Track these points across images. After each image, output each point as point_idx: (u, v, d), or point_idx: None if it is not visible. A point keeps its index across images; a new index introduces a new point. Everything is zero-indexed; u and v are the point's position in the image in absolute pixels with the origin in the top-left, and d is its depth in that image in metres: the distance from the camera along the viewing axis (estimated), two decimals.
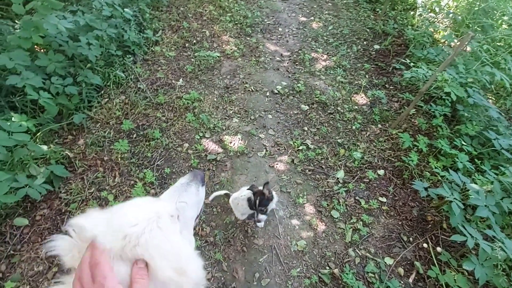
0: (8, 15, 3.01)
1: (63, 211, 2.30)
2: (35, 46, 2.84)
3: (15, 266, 2.04)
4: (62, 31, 2.60)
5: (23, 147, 2.29)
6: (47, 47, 2.84)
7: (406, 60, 3.71)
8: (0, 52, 2.64)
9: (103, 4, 3.14)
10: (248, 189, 2.17)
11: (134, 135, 2.84)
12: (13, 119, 2.35)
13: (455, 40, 4.29)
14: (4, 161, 2.22)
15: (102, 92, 3.10)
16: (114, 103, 3.03)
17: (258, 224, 2.40)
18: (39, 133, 2.54)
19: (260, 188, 2.07)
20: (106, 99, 3.06)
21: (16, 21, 2.91)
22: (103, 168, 2.57)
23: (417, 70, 3.19)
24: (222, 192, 2.47)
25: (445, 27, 4.77)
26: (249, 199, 2.10)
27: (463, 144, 2.82)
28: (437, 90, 3.29)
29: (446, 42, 4.39)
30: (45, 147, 2.46)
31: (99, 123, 2.87)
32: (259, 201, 2.01)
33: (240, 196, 2.18)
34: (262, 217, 2.25)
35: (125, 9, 3.38)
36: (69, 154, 2.59)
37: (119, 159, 2.63)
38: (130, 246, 0.64)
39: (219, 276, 2.14)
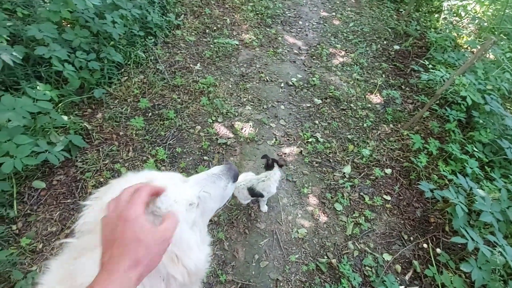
0: None
1: (78, 178, 2.42)
2: (63, 21, 2.95)
3: (31, 224, 2.18)
4: (89, 7, 2.71)
5: (45, 114, 2.41)
6: (74, 22, 2.95)
7: (425, 61, 3.66)
8: (30, 23, 2.77)
9: None
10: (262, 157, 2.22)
11: (150, 114, 2.94)
12: (38, 87, 2.48)
13: (478, 47, 4.20)
14: (27, 126, 2.34)
15: (122, 70, 3.20)
16: (133, 82, 3.13)
17: (262, 209, 2.47)
18: (61, 104, 2.66)
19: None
20: (126, 77, 3.16)
21: None
22: (118, 142, 2.68)
23: (435, 73, 3.16)
24: None
25: (470, 32, 4.66)
26: (249, 189, 2.17)
27: (474, 151, 2.79)
28: (453, 95, 3.25)
29: (469, 47, 4.30)
30: (65, 117, 2.59)
31: (117, 99, 2.98)
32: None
33: (239, 186, 2.22)
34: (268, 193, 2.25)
35: None
36: (87, 126, 2.71)
37: (134, 135, 2.73)
38: None
39: (220, 254, 2.23)
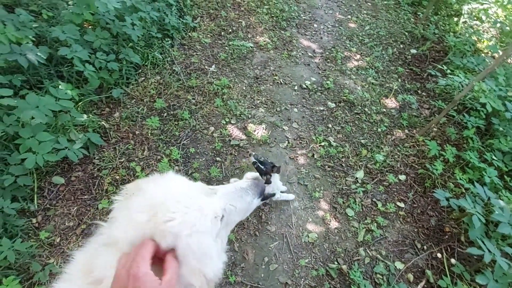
0: None
1: (95, 175, 2.50)
2: (85, 22, 3.05)
3: (50, 218, 2.26)
4: (110, 10, 2.79)
5: (66, 113, 2.51)
6: (95, 24, 3.05)
7: (443, 66, 3.58)
8: (54, 25, 2.89)
9: None
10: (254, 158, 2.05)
11: (165, 114, 3.00)
12: (60, 86, 2.58)
13: (500, 52, 4.08)
14: (49, 123, 2.44)
15: (140, 70, 3.28)
16: (150, 82, 3.20)
17: (289, 198, 2.48)
18: (80, 103, 2.75)
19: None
20: (143, 78, 3.24)
21: None
22: (134, 141, 2.75)
23: (453, 78, 3.09)
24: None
25: (491, 37, 4.52)
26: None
27: (493, 159, 2.71)
28: (472, 101, 3.17)
29: (490, 52, 4.18)
30: (85, 116, 2.68)
31: (134, 99, 3.05)
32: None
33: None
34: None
35: None
36: (105, 124, 2.79)
37: (149, 134, 2.79)
38: (166, 229, 0.70)
39: (230, 255, 2.24)
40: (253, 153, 2.30)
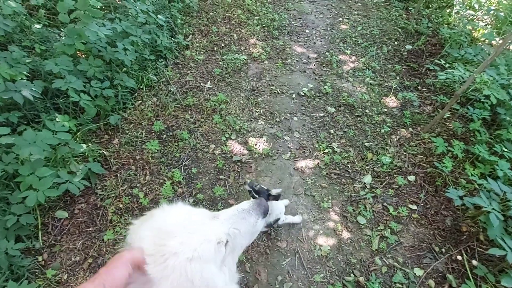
0: (54, 24, 3.29)
1: (98, 206, 2.46)
2: (77, 52, 3.07)
3: (55, 255, 2.21)
4: (101, 38, 2.80)
5: (65, 145, 2.48)
6: (87, 53, 3.06)
7: (440, 60, 3.53)
8: (47, 58, 2.90)
9: (139, 11, 3.32)
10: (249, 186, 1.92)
11: (164, 136, 2.97)
12: (57, 119, 2.57)
13: (497, 39, 4.01)
14: (48, 158, 2.42)
15: (136, 94, 3.27)
16: (147, 105, 3.18)
17: (296, 221, 2.40)
18: (79, 133, 2.73)
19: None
20: (139, 101, 3.23)
21: (61, 29, 3.17)
22: (135, 167, 2.71)
23: (453, 72, 3.02)
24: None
25: (485, 25, 4.46)
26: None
27: (504, 151, 2.62)
28: (475, 92, 3.10)
29: (487, 40, 4.12)
30: (84, 146, 2.65)
31: (132, 124, 3.03)
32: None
33: None
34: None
35: (159, 16, 3.55)
36: (105, 152, 2.76)
37: (150, 158, 2.76)
38: (162, 256, 0.70)
39: (242, 277, 2.17)
40: (248, 181, 2.21)
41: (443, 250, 2.35)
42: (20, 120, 2.59)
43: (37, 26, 3.06)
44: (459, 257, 2.29)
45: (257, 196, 1.82)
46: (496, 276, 2.12)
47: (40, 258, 2.17)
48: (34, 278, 2.06)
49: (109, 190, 2.54)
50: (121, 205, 2.46)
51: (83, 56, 3.12)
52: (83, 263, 2.18)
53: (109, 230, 2.31)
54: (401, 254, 2.33)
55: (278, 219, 2.16)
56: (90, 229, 2.35)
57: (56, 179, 2.28)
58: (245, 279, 2.15)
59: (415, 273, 2.22)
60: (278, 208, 2.14)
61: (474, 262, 2.23)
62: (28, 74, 2.66)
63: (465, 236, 2.41)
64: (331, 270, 2.23)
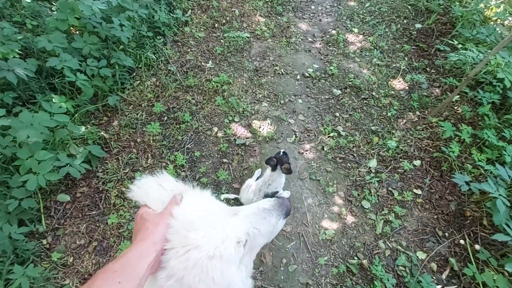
0: None
1: (100, 189, 2.42)
2: (71, 28, 2.90)
3: (60, 238, 2.20)
4: (96, 12, 2.62)
5: (63, 127, 2.40)
6: (82, 29, 2.89)
7: (452, 41, 3.38)
8: (39, 34, 2.74)
9: None
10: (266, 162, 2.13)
11: (165, 118, 2.88)
12: (53, 100, 2.46)
13: (510, 18, 3.85)
14: (47, 140, 2.34)
15: (134, 74, 3.14)
16: (146, 85, 3.06)
17: (284, 195, 2.40)
18: (77, 114, 2.64)
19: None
20: (138, 81, 3.10)
21: (53, 3, 2.98)
22: (137, 150, 2.65)
23: (465, 53, 2.90)
24: (232, 196, 2.42)
25: (499, 2, 4.26)
26: (265, 196, 2.12)
27: None
28: (486, 75, 3.00)
29: (500, 20, 3.94)
30: (83, 128, 2.57)
31: (132, 105, 2.93)
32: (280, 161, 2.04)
33: (254, 200, 2.17)
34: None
35: None
36: (104, 135, 2.69)
37: (151, 141, 2.69)
38: (183, 247, 0.72)
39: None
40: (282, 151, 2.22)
41: (447, 234, 2.36)
42: (15, 101, 2.49)
43: (28, 0, 2.87)
44: (462, 242, 2.31)
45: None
46: (498, 260, 2.15)
47: (44, 242, 2.16)
48: (40, 261, 2.06)
49: (110, 173, 2.49)
50: (123, 189, 2.42)
51: (77, 32, 2.95)
52: (88, 246, 2.18)
53: (113, 213, 2.29)
54: (404, 238, 2.34)
55: (277, 192, 2.19)
56: (93, 212, 2.32)
57: (56, 163, 2.22)
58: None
59: (418, 257, 2.24)
60: (279, 182, 2.15)
61: (477, 247, 2.25)
62: (21, 52, 2.52)
63: (468, 221, 2.42)
64: (335, 253, 2.25)
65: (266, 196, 2.13)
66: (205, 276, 0.71)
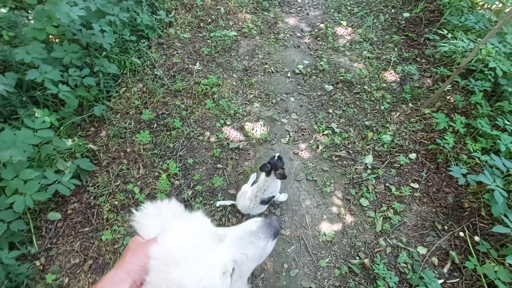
0: (21, 6, 2.93)
1: (92, 204, 2.35)
2: (50, 37, 2.77)
3: (53, 258, 2.13)
4: (74, 19, 2.51)
5: (48, 143, 2.30)
6: (61, 37, 2.77)
7: (442, 30, 3.35)
8: (17, 46, 2.61)
9: None
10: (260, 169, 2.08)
11: (155, 125, 2.80)
12: (36, 114, 2.36)
13: (497, 2, 3.83)
14: (32, 158, 2.25)
15: (120, 81, 3.04)
16: (132, 92, 2.97)
17: (281, 200, 2.37)
18: (62, 127, 2.54)
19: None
20: (124, 88, 3.00)
21: (29, 11, 2.83)
22: (127, 160, 2.57)
23: (455, 42, 2.87)
24: (229, 202, 2.37)
25: None
26: (261, 202, 2.10)
27: (506, 124, 2.57)
28: (477, 63, 2.98)
29: (487, 5, 3.92)
30: (69, 141, 2.48)
31: (119, 114, 2.84)
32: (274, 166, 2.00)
33: (251, 207, 2.13)
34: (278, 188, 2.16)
35: None
36: (92, 147, 2.60)
37: (142, 150, 2.61)
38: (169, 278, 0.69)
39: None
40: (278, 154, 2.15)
41: (446, 227, 2.36)
42: None
43: (3, 10, 2.72)
44: (461, 234, 2.32)
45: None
46: (498, 251, 2.15)
47: (37, 263, 2.09)
48: (34, 284, 1.99)
49: (101, 187, 2.41)
50: (116, 202, 2.35)
51: (57, 41, 2.82)
52: (83, 265, 2.11)
53: (107, 229, 2.22)
54: (404, 233, 2.34)
55: (273, 196, 2.15)
56: (86, 229, 2.25)
57: (44, 180, 2.13)
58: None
59: (418, 252, 2.24)
60: (274, 186, 2.11)
61: (476, 238, 2.26)
62: None
63: (467, 212, 2.42)
64: (336, 254, 2.23)
65: (263, 201, 2.09)
66: None
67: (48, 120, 2.33)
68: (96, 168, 2.51)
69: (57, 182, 2.19)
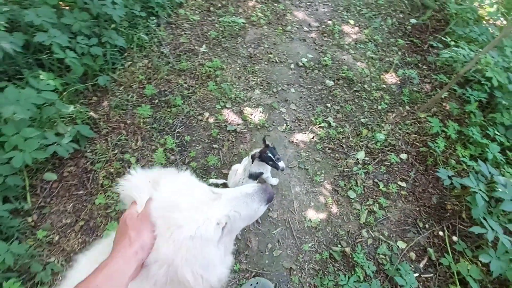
0: None
1: (88, 169, 2.40)
2: (61, 3, 2.80)
3: (46, 216, 2.19)
4: None
5: (51, 105, 2.35)
6: (72, 5, 2.80)
7: (446, 38, 3.42)
8: (27, 8, 2.63)
9: None
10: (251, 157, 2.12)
11: (156, 101, 2.85)
12: (41, 77, 2.40)
13: (501, 19, 3.91)
14: (33, 118, 2.29)
15: (126, 54, 3.08)
16: (137, 67, 3.01)
17: (272, 182, 2.43)
18: (65, 93, 2.58)
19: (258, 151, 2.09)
20: (130, 62, 3.04)
21: None
22: (126, 131, 2.63)
23: (457, 50, 2.95)
24: (220, 181, 2.43)
25: (493, 2, 4.30)
26: (250, 176, 2.16)
27: (496, 134, 2.66)
28: (475, 73, 3.06)
29: (492, 20, 4.00)
30: (71, 107, 2.52)
31: (123, 86, 2.89)
32: (269, 153, 2.02)
33: (242, 181, 2.19)
34: (282, 164, 2.11)
35: None
36: (94, 115, 2.64)
37: (141, 123, 2.67)
38: (168, 229, 0.76)
39: (234, 243, 2.22)
40: (270, 144, 2.17)
41: (427, 225, 2.46)
42: (0, 76, 2.41)
43: None
44: (440, 233, 2.41)
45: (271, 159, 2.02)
46: (473, 252, 2.25)
47: (30, 219, 2.15)
48: (25, 239, 2.05)
49: (99, 154, 2.47)
50: (112, 170, 2.41)
51: (67, 8, 2.85)
52: (74, 226, 2.17)
53: (100, 194, 2.28)
54: (387, 228, 2.42)
55: (261, 173, 2.20)
56: (80, 192, 2.31)
57: (43, 141, 2.18)
58: (236, 245, 2.21)
59: (398, 246, 2.33)
60: (265, 167, 2.18)
61: (454, 238, 2.35)
62: (7, 25, 2.43)
63: (448, 214, 2.51)
64: (319, 240, 2.31)
65: (251, 175, 2.14)
66: (188, 255, 0.75)
67: (53, 84, 2.36)
68: (95, 136, 2.56)
69: (56, 144, 2.24)
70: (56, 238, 2.11)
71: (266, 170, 2.24)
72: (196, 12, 3.68)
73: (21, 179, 2.13)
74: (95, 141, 2.54)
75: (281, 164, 2.04)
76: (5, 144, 2.03)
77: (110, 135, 2.59)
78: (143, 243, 0.73)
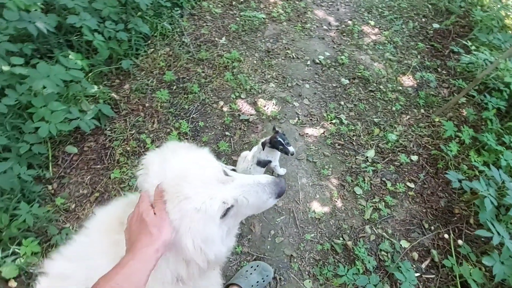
0: None
1: (107, 146, 2.54)
2: None
3: (65, 186, 2.34)
4: None
5: (77, 83, 2.50)
6: None
7: (467, 42, 3.37)
8: None
9: None
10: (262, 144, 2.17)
11: (174, 87, 2.97)
12: (70, 56, 2.56)
13: None
14: (60, 93, 2.45)
15: (149, 41, 3.22)
16: (159, 54, 3.14)
17: (279, 172, 2.47)
18: (91, 73, 2.74)
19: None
20: (152, 49, 3.18)
21: None
22: (144, 114, 2.75)
23: (477, 54, 2.90)
24: (230, 167, 2.45)
25: None
26: (258, 163, 2.22)
27: None
28: (495, 80, 3.00)
29: None
30: (95, 87, 2.67)
31: (144, 71, 3.02)
32: (280, 137, 2.07)
33: (250, 169, 2.25)
34: (291, 149, 2.13)
35: None
36: (115, 96, 2.79)
37: (159, 107, 2.79)
38: (177, 197, 0.81)
39: (237, 227, 2.29)
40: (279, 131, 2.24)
41: (432, 227, 2.44)
42: (33, 53, 2.58)
43: None
44: (446, 236, 2.39)
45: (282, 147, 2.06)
46: (478, 257, 2.22)
47: (50, 187, 2.30)
48: (44, 204, 2.20)
49: (118, 132, 2.60)
50: (128, 148, 2.53)
51: None
52: (90, 196, 2.31)
53: (116, 169, 2.41)
54: (391, 226, 2.43)
55: (270, 161, 2.25)
56: (98, 166, 2.45)
57: (68, 115, 2.32)
58: (240, 229, 2.27)
59: (401, 245, 2.33)
60: (273, 154, 2.23)
61: (460, 242, 2.32)
62: (43, 6, 2.61)
63: (455, 218, 2.48)
64: (322, 231, 2.35)
65: (259, 163, 2.20)
66: (192, 226, 0.79)
67: (80, 64, 2.52)
68: (115, 116, 2.70)
69: (79, 119, 2.38)
70: (73, 206, 2.25)
71: (275, 159, 2.30)
72: (219, 5, 3.79)
73: (45, 149, 2.29)
74: (114, 121, 2.68)
75: (291, 148, 2.09)
76: (34, 115, 2.19)
77: (129, 116, 2.72)
78: (165, 240, 0.75)
